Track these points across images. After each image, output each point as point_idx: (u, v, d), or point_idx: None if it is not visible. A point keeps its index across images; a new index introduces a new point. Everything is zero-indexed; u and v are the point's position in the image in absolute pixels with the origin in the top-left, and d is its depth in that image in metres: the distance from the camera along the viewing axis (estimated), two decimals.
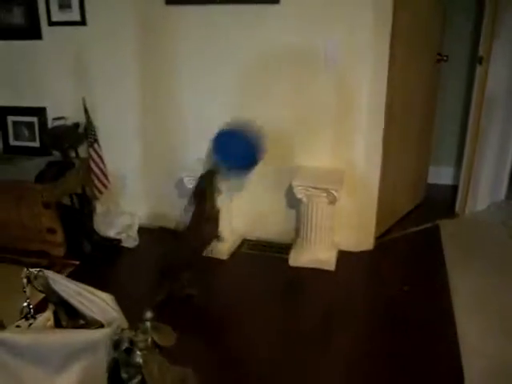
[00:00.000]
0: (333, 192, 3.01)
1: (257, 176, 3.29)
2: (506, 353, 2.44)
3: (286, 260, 3.20)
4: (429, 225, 3.67)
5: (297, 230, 3.32)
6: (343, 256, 3.25)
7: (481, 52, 3.45)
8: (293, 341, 2.56)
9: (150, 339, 1.39)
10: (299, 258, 3.18)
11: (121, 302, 1.49)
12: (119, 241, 3.43)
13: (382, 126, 3.11)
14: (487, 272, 3.08)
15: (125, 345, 1.36)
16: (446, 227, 3.63)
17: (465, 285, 2.94)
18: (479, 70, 3.49)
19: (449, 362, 2.37)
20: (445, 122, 4.14)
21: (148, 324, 1.40)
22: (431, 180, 4.15)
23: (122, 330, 1.39)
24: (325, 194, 3.03)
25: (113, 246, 3.39)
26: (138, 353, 1.37)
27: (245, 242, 3.45)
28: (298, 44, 3.04)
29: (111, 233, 3.46)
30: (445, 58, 3.69)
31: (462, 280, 2.99)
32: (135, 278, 3.12)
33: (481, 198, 3.82)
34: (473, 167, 3.69)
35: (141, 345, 1.37)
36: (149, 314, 1.40)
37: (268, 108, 3.19)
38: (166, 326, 1.42)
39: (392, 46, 2.97)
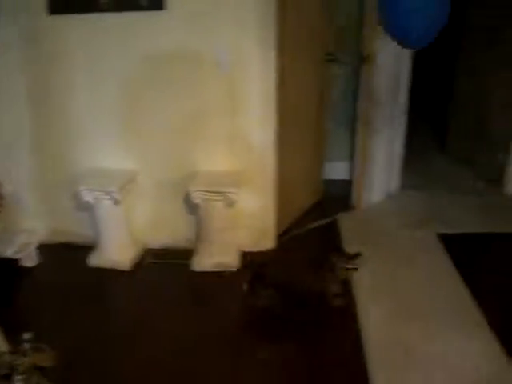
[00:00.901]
0: (229, 195, 3.05)
1: (156, 183, 3.29)
2: (405, 337, 2.58)
3: (190, 266, 3.21)
4: (328, 220, 3.79)
5: (198, 235, 3.34)
6: (247, 256, 3.29)
7: (365, 51, 3.60)
8: (200, 346, 2.58)
9: (30, 361, 1.36)
10: (202, 263, 3.21)
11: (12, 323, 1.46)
12: (17, 260, 3.31)
13: (274, 125, 3.19)
14: (384, 261, 3.22)
15: (3, 371, 1.33)
16: (345, 221, 3.77)
17: (364, 274, 3.06)
18: (365, 68, 3.65)
19: (353, 353, 2.50)
20: (337, 118, 4.28)
21: (27, 346, 1.38)
22: (328, 176, 4.29)
23: (1, 354, 1.36)
24: (221, 198, 3.07)
25: (10, 266, 3.27)
26: (19, 377, 1.34)
27: (148, 251, 3.42)
28: (187, 48, 3.06)
29: (8, 252, 3.33)
30: (334, 57, 3.82)
31: (362, 270, 3.11)
32: (31, 299, 3.02)
33: (376, 190, 4.00)
34: (365, 161, 3.85)
35: (20, 368, 1.34)
36: (27, 336, 1.38)
37: (161, 114, 3.19)
38: (46, 346, 1.40)
39: (279, 48, 3.04)
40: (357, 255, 2.79)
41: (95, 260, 3.27)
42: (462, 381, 2.33)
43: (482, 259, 3.38)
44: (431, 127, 5.64)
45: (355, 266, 2.79)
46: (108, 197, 3.10)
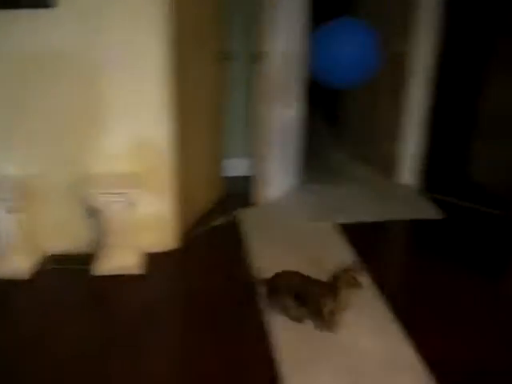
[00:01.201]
0: (129, 195, 2.98)
1: (53, 188, 3.15)
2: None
3: (91, 271, 3.11)
4: (230, 217, 3.80)
5: (99, 239, 3.23)
6: (150, 258, 3.23)
7: (259, 49, 3.65)
8: (105, 348, 2.51)
9: None
10: (103, 267, 3.11)
11: None
12: None
13: (171, 123, 3.13)
14: (289, 253, 3.28)
15: None
16: (246, 217, 3.79)
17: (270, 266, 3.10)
18: (259, 65, 3.70)
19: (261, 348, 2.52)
20: (235, 115, 4.31)
21: None
22: (229, 173, 4.30)
23: None
24: (122, 199, 2.99)
25: None
26: None
27: (49, 258, 3.25)
28: (75, 47, 2.93)
29: None
30: (227, 55, 3.84)
31: (267, 265, 3.15)
32: None
33: (275, 185, 4.06)
34: (264, 156, 3.91)
35: None
36: None
37: (48, 115, 3.05)
38: None
39: (175, 43, 3.00)
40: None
41: None
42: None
43: (378, 245, 3.56)
44: (328, 122, 5.84)
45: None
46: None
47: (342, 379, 2.31)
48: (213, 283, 3.05)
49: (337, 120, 5.37)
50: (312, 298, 2.55)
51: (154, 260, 3.24)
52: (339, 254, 3.26)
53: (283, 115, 3.92)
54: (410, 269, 3.39)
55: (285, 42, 3.70)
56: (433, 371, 2.35)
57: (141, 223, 3.20)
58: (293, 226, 3.69)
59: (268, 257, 3.24)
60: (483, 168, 4.43)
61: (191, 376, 2.38)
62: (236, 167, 4.43)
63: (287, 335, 2.57)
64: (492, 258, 3.31)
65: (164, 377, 2.40)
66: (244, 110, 4.29)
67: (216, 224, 3.72)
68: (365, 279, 2.74)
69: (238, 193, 4.16)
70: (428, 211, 3.96)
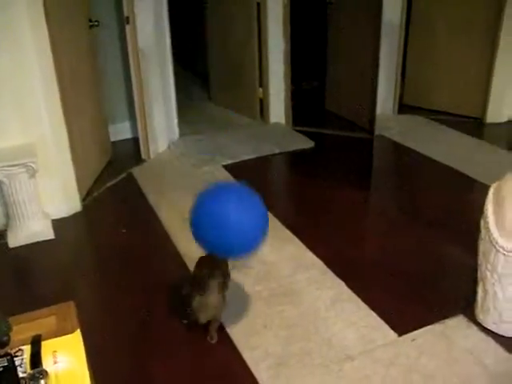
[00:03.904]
0: (30, 165, 3.14)
1: None
2: None
3: (6, 244, 3.24)
4: (124, 175, 4.05)
5: (8, 212, 3.35)
6: (58, 223, 3.42)
7: (126, 13, 3.86)
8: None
9: None
10: (17, 238, 3.26)
11: None
12: None
13: (56, 92, 3.31)
14: (185, 198, 3.61)
15: None
16: (139, 173, 4.07)
17: (171, 215, 3.43)
18: (128, 29, 3.92)
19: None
20: (113, 81, 4.50)
21: None
22: (114, 138, 4.52)
23: None
24: (24, 169, 3.14)
25: None
26: None
27: None
28: None
29: None
30: (96, 23, 4.00)
31: (168, 211, 3.48)
32: None
33: (160, 140, 4.35)
34: (145, 116, 4.18)
35: None
36: None
37: None
38: None
39: (48, 15, 3.13)
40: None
41: None
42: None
43: (261, 176, 4.08)
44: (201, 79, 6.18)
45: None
46: None
47: (262, 285, 2.74)
48: (118, 237, 3.31)
49: (208, 74, 5.72)
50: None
51: (62, 224, 3.43)
52: None
53: (157, 75, 4.18)
54: (293, 190, 3.97)
55: (151, 5, 3.94)
56: (328, 265, 2.86)
57: (43, 191, 3.37)
58: (182, 173, 4.04)
59: (165, 204, 3.57)
60: (333, 99, 5.14)
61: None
62: (122, 131, 4.64)
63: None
64: (357, 173, 3.95)
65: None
66: (122, 75, 4.48)
67: (112, 183, 3.94)
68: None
69: (128, 154, 4.41)
70: (300, 142, 4.52)
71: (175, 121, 4.54)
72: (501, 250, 2.21)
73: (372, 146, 4.59)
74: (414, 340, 2.35)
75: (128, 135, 4.65)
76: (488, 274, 2.32)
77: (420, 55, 5.16)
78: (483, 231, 2.32)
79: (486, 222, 2.29)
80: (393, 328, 2.41)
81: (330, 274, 2.80)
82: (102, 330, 2.44)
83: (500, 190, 2.28)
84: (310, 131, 4.72)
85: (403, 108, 5.23)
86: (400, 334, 2.37)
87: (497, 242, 2.22)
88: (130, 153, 4.37)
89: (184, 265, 2.90)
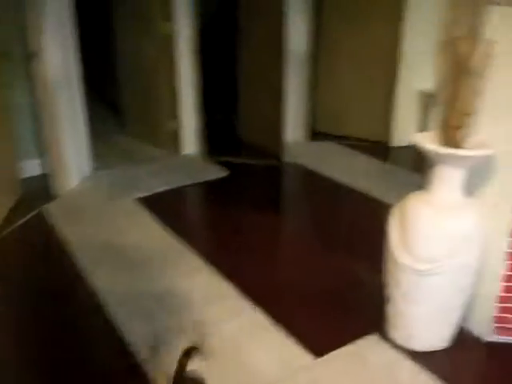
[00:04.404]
0: None
1: None
2: (134, 285, 3.00)
3: None
4: (34, 212, 3.92)
5: None
6: None
7: (32, 46, 3.79)
8: None
9: None
10: None
11: None
12: None
13: None
14: (99, 233, 3.57)
15: None
16: (51, 209, 3.95)
17: (84, 250, 3.36)
18: (35, 63, 3.85)
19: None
20: (23, 115, 4.38)
21: None
22: (25, 174, 4.40)
23: None
24: None
25: None
26: None
27: None
28: None
29: None
30: (4, 55, 3.90)
31: (81, 246, 3.40)
32: None
33: (72, 175, 4.26)
34: (56, 151, 4.09)
35: None
36: None
37: None
38: None
39: None
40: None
41: None
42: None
43: (176, 208, 4.06)
44: (113, 110, 6.12)
45: None
46: None
47: (175, 318, 2.72)
48: (27, 274, 3.22)
49: (119, 105, 5.68)
50: None
51: None
52: (144, 223, 3.67)
53: (68, 109, 4.11)
54: (207, 220, 4.00)
55: (58, 37, 3.89)
56: (244, 292, 2.89)
57: None
58: (95, 208, 3.96)
59: (78, 239, 3.49)
60: (245, 128, 5.28)
61: None
62: (32, 167, 4.51)
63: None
64: (270, 200, 4.04)
65: None
66: (32, 109, 4.37)
67: (22, 222, 3.81)
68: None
69: (39, 190, 4.27)
70: (213, 172, 4.56)
71: (87, 155, 4.46)
72: (405, 269, 2.32)
73: (284, 173, 4.72)
74: (330, 361, 2.40)
75: (39, 171, 4.52)
76: (395, 292, 2.42)
77: (329, 83, 5.38)
78: (388, 251, 2.43)
79: (390, 242, 2.40)
80: (310, 351, 2.46)
81: (246, 302, 2.82)
82: None
83: (402, 210, 2.40)
84: (224, 161, 4.78)
85: (315, 135, 5.40)
86: (317, 357, 2.43)
87: (401, 262, 2.33)
88: (41, 189, 4.24)
89: (99, 305, 2.84)
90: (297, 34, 4.83)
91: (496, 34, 2.14)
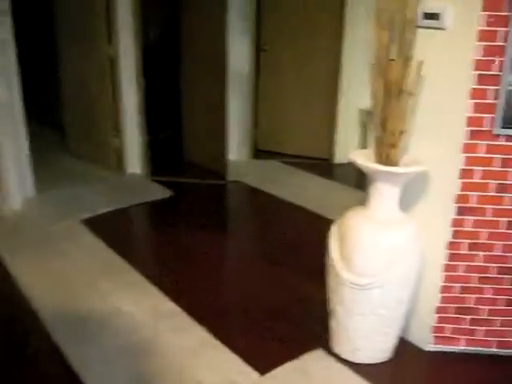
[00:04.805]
0: None
1: None
2: (77, 308, 2.94)
3: None
4: None
5: None
6: None
7: None
8: None
9: None
10: None
11: None
12: None
13: None
14: (43, 256, 3.49)
15: None
16: None
17: (28, 275, 3.28)
18: None
19: None
20: None
21: None
22: None
23: None
24: None
25: None
26: None
27: None
28: None
29: None
30: None
31: (25, 270, 3.32)
32: None
33: (14, 198, 4.15)
34: None
35: None
36: None
37: None
38: None
39: None
40: None
41: None
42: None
43: (121, 229, 4.00)
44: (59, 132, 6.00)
45: None
46: None
47: (122, 339, 2.69)
48: None
49: (63, 125, 5.59)
50: None
51: None
52: (89, 245, 3.62)
53: (9, 131, 4.03)
54: (151, 240, 3.98)
55: None
56: (189, 312, 2.88)
57: None
58: (39, 231, 3.87)
59: (21, 263, 3.40)
60: (189, 147, 5.30)
61: None
62: None
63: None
64: (214, 219, 4.05)
65: None
66: None
67: None
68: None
69: None
70: (158, 192, 4.55)
71: (30, 177, 4.36)
72: (346, 283, 2.38)
73: (229, 192, 4.75)
74: (275, 378, 2.43)
75: None
76: (338, 307, 2.47)
77: (272, 102, 5.47)
78: (329, 266, 2.48)
79: (331, 258, 2.45)
80: (256, 369, 2.47)
81: (192, 322, 2.82)
82: None
83: (342, 226, 2.46)
84: (168, 181, 4.77)
85: (259, 153, 5.47)
86: (262, 374, 2.44)
87: (342, 277, 2.39)
88: None
89: (45, 331, 2.77)
90: (238, 53, 4.92)
91: (423, 55, 2.25)
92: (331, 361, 2.54)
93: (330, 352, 2.58)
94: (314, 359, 2.55)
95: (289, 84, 5.37)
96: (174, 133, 5.61)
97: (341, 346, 2.55)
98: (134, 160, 4.90)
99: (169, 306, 2.97)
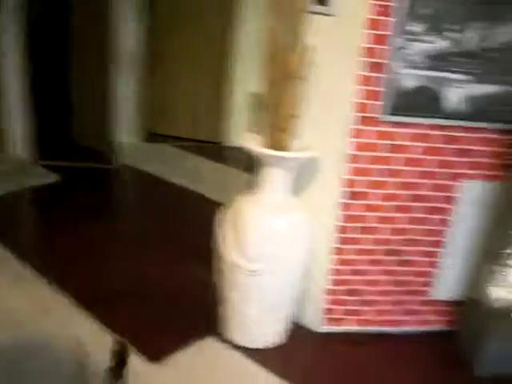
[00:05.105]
0: None
1: None
2: None
3: None
4: None
5: None
6: None
7: None
8: None
9: None
10: None
11: None
12: None
13: None
14: None
15: None
16: None
17: None
18: None
19: None
20: None
21: None
22: None
23: None
24: None
25: None
26: None
27: None
28: None
29: None
30: None
31: None
32: None
33: None
34: None
35: None
36: None
37: None
38: None
39: None
40: None
41: None
42: None
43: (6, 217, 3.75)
44: None
45: None
46: None
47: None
48: None
49: None
50: None
51: None
52: None
53: None
54: (38, 227, 3.75)
55: None
56: (78, 301, 2.75)
57: None
58: None
59: None
60: (79, 131, 5.06)
61: None
62: None
63: None
64: (103, 205, 3.89)
65: None
66: None
67: None
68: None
69: None
70: (44, 177, 4.27)
71: None
72: (238, 269, 2.36)
73: (118, 177, 4.58)
74: (168, 366, 2.37)
75: None
76: (229, 293, 2.45)
77: (163, 84, 5.31)
78: (220, 251, 2.45)
79: (222, 244, 2.42)
80: (147, 357, 2.39)
81: (80, 311, 2.68)
82: None
83: (232, 211, 2.44)
84: (56, 165, 4.50)
85: (152, 137, 5.33)
86: (154, 363, 2.37)
87: (233, 263, 2.36)
88: None
89: None
90: (127, 34, 4.74)
91: (314, 41, 2.25)
92: (224, 347, 2.52)
93: (223, 339, 2.56)
94: (207, 346, 2.52)
95: (181, 68, 5.25)
96: (64, 115, 5.30)
97: (234, 332, 2.53)
98: (20, 143, 4.58)
99: (56, 297, 2.80)
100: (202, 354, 2.48)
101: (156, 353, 2.42)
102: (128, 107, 4.95)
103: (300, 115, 2.34)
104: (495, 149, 2.46)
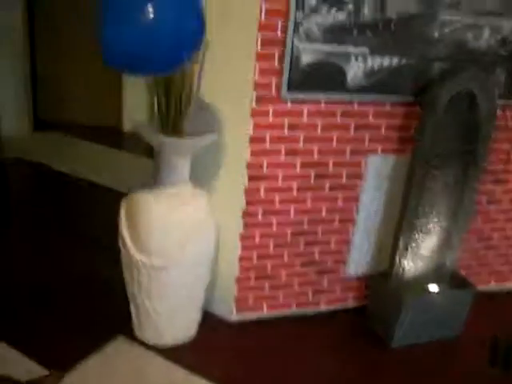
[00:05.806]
0: None
1: None
2: None
3: None
4: None
5: None
6: None
7: None
8: None
9: None
10: None
11: None
12: None
13: None
14: None
15: None
16: None
17: None
18: None
19: None
20: None
21: None
22: None
23: None
24: None
25: None
26: None
27: None
28: None
29: None
30: None
31: None
32: None
33: None
34: None
35: None
36: None
37: None
38: None
39: None
40: None
41: None
42: None
43: None
44: None
45: None
46: None
47: None
48: None
49: None
50: None
51: None
52: None
53: None
54: None
55: None
56: None
57: None
58: None
59: None
60: None
61: None
62: None
63: None
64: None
65: None
66: None
67: None
68: None
69: None
70: None
71: None
72: (140, 265, 2.20)
73: (6, 171, 4.17)
74: (78, 372, 2.18)
75: None
76: (135, 289, 2.30)
77: (52, 69, 4.92)
78: (122, 247, 2.28)
79: (123, 238, 2.25)
80: (50, 368, 2.18)
81: None
82: None
83: (131, 202, 2.26)
84: None
85: (42, 124, 4.93)
86: (60, 372, 2.16)
87: (136, 259, 2.20)
88: None
89: None
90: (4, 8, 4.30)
91: (209, 16, 2.09)
92: (135, 347, 2.37)
93: (133, 338, 2.40)
94: (117, 347, 2.35)
95: (70, 48, 4.85)
96: None
97: (144, 331, 2.38)
98: None
99: None
100: (112, 357, 2.30)
101: (64, 363, 2.20)
102: (9, 93, 4.54)
103: (197, 96, 2.19)
104: (397, 122, 2.44)
